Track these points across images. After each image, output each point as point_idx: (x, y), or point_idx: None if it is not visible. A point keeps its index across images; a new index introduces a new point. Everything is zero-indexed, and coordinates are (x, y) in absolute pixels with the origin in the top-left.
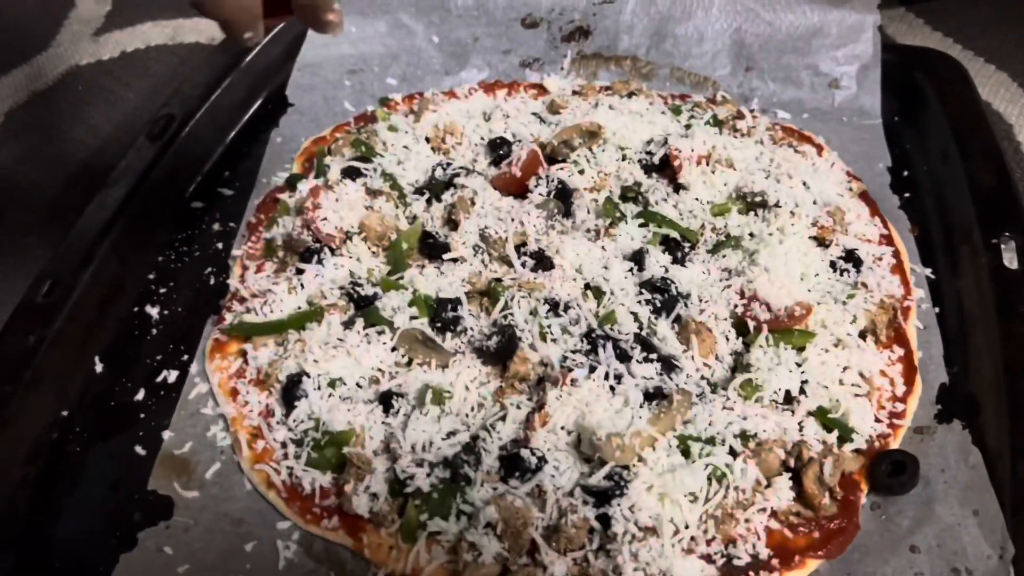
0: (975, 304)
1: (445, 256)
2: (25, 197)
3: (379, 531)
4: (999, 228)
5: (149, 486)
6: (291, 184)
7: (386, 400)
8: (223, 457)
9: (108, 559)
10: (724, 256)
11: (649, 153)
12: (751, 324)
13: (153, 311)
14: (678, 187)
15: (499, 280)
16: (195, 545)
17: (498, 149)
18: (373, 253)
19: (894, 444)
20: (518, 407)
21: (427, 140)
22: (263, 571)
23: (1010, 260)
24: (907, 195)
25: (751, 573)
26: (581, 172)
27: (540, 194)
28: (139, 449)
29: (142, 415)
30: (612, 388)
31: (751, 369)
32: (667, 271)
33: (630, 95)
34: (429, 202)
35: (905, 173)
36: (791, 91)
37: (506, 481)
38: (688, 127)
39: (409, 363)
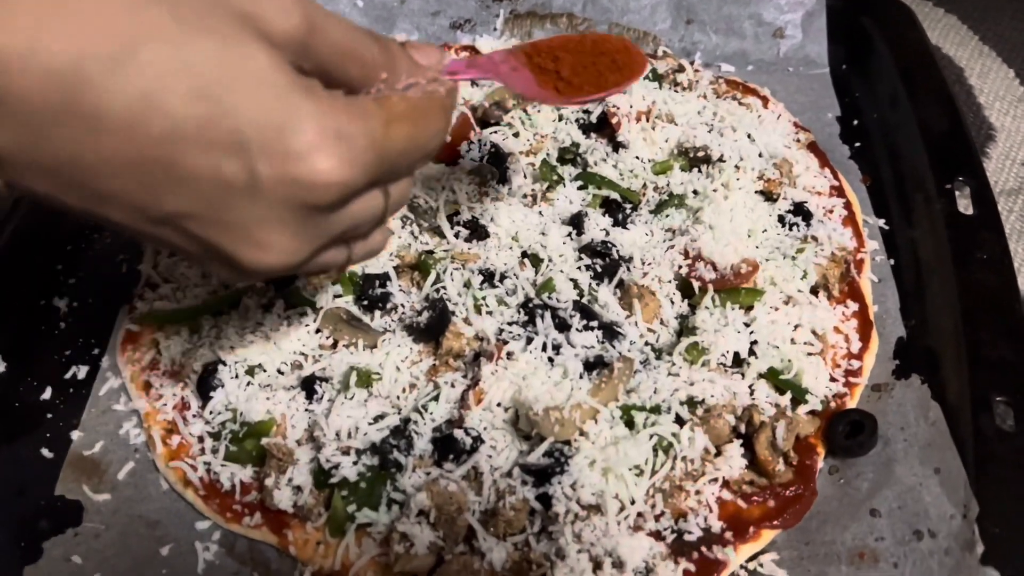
0: (931, 253)
1: None
2: None
3: (305, 526)
4: (952, 174)
5: (57, 491)
6: None
7: (309, 385)
8: (137, 456)
9: (11, 572)
10: (668, 216)
11: (586, 112)
12: (696, 285)
13: (61, 303)
14: (617, 146)
15: (430, 252)
16: (107, 552)
17: None
18: None
19: (851, 404)
20: (452, 385)
21: None
22: None
23: (965, 206)
24: (858, 144)
25: (703, 548)
26: (516, 135)
27: (472, 159)
28: (46, 452)
29: (49, 415)
30: (551, 360)
31: (697, 332)
32: (608, 234)
33: None
34: None
35: (855, 122)
36: (734, 43)
37: (440, 465)
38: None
39: (334, 345)
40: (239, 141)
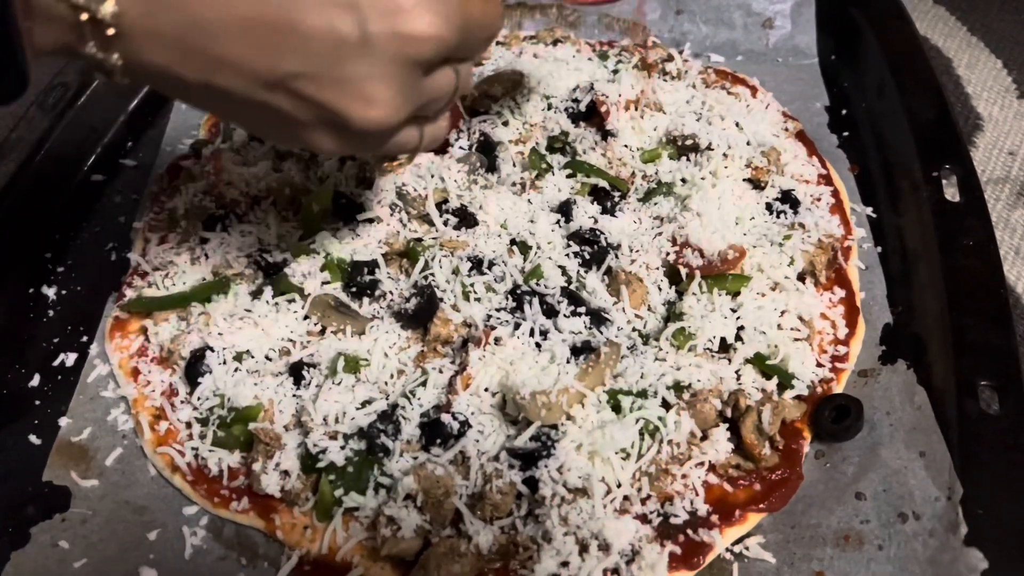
0: (918, 240)
1: (360, 217)
2: None
3: (292, 511)
4: (939, 161)
5: (44, 477)
6: (196, 151)
7: (297, 371)
8: (125, 442)
9: None
10: (656, 204)
11: (575, 101)
12: (683, 271)
13: (50, 291)
14: (606, 134)
15: (419, 240)
16: (93, 537)
17: None
18: (283, 218)
19: (837, 389)
20: (440, 371)
21: None
22: (168, 560)
23: (952, 194)
24: (846, 134)
25: (689, 531)
26: (505, 124)
27: (461, 148)
28: (33, 438)
29: (37, 402)
30: (538, 345)
31: (684, 318)
32: (596, 222)
33: (555, 43)
34: (342, 161)
35: (843, 112)
36: (724, 33)
37: (427, 449)
38: (615, 72)
39: (322, 332)
40: (351, 2)
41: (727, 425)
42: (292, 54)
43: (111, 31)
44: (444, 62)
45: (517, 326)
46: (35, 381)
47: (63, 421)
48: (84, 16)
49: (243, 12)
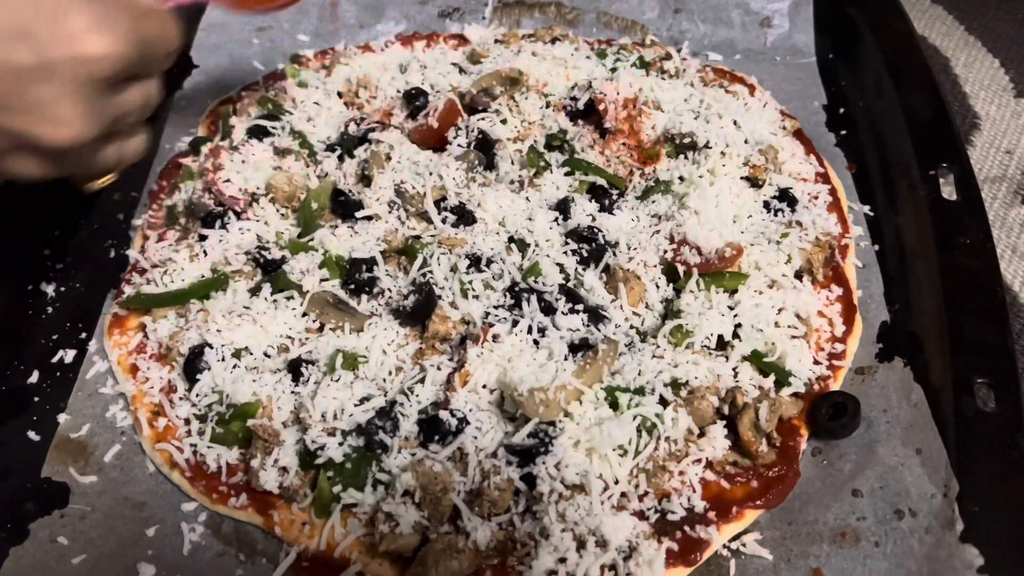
0: (915, 239)
1: (359, 214)
2: None
3: (290, 507)
4: (936, 160)
5: (43, 473)
6: (195, 148)
7: (295, 368)
8: (123, 438)
9: None
10: (654, 202)
11: (573, 99)
12: (681, 269)
13: (49, 288)
14: (604, 132)
15: (417, 237)
16: (92, 533)
17: (414, 100)
18: (282, 215)
19: (835, 386)
20: (438, 368)
21: (339, 95)
22: (167, 556)
23: (949, 193)
24: (843, 132)
25: (687, 527)
26: (503, 122)
27: (460, 145)
28: (32, 434)
29: (36, 398)
30: (536, 342)
31: (681, 315)
32: (594, 220)
33: (554, 41)
34: (341, 159)
35: (841, 111)
36: (722, 32)
37: (425, 446)
38: (614, 70)
39: (320, 329)
40: (24, 31)
41: (724, 422)
42: None
43: None
44: (129, 79)
45: (515, 323)
46: (34, 377)
47: (62, 417)
48: None
49: None
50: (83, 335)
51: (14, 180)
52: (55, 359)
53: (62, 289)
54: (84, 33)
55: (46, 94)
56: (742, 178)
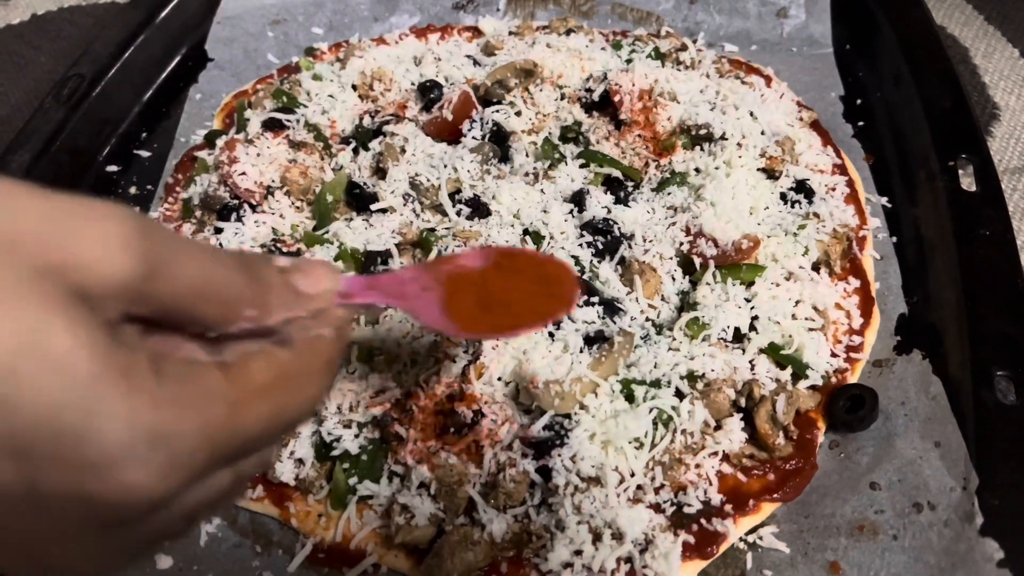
0: (933, 230)
1: (373, 207)
2: None
3: (306, 499)
4: (955, 151)
5: None
6: (210, 141)
7: None
8: None
9: None
10: (669, 193)
11: (588, 90)
12: (697, 261)
13: None
14: (620, 124)
15: (432, 230)
16: None
17: (429, 93)
18: (297, 208)
19: (852, 379)
20: (454, 361)
21: (354, 88)
22: (184, 547)
23: (968, 184)
24: (861, 124)
25: (703, 520)
26: (518, 114)
27: (474, 138)
28: None
29: None
30: (551, 334)
31: (698, 307)
32: (609, 212)
33: (568, 32)
34: (356, 152)
35: (859, 101)
36: (738, 22)
37: (441, 438)
38: (629, 61)
39: None
40: (17, 446)
41: (741, 415)
42: None
43: None
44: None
45: None
46: None
47: None
48: None
49: None
50: None
51: None
52: None
53: None
54: (109, 466)
55: (36, 534)
56: (759, 169)
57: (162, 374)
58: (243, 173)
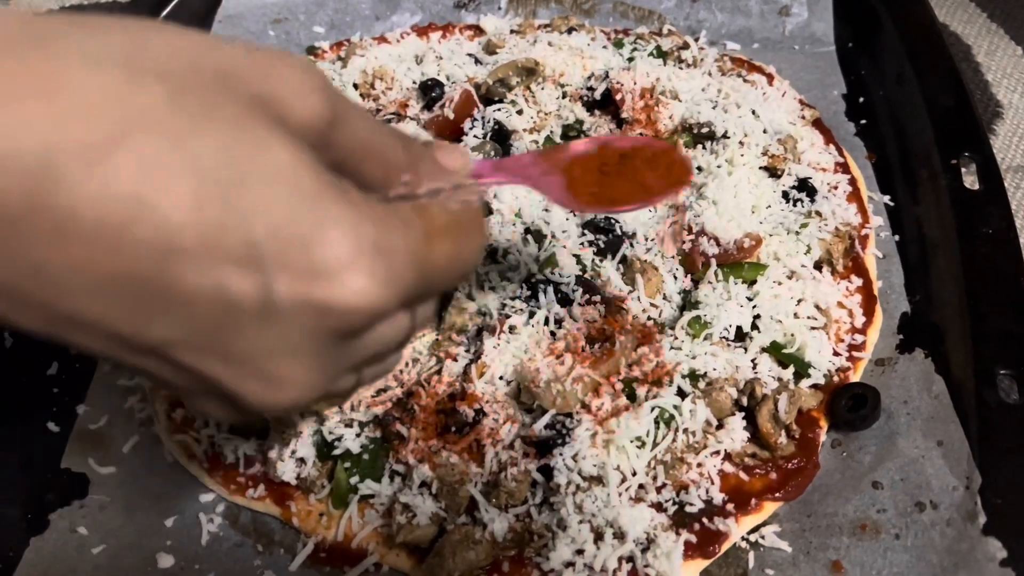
0: (936, 229)
1: None
2: None
3: (308, 498)
4: (958, 149)
5: (63, 464)
6: None
7: None
8: (142, 429)
9: (18, 543)
10: None
11: (590, 89)
12: (699, 260)
13: None
14: (621, 122)
15: None
16: (112, 523)
17: (430, 92)
18: None
19: (854, 378)
20: (455, 360)
21: (355, 87)
22: (185, 547)
23: (971, 182)
24: (863, 122)
25: (705, 519)
26: (519, 112)
27: (476, 136)
28: (52, 425)
29: (55, 389)
30: (552, 333)
31: (699, 306)
32: None
33: (570, 31)
34: None
35: (861, 100)
36: (740, 20)
37: (442, 437)
38: (631, 60)
39: None
40: (252, 255)
41: (743, 414)
42: (167, 319)
43: None
44: (402, 307)
45: (532, 315)
46: (53, 369)
47: (81, 409)
48: None
49: (100, 264)
50: None
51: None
52: (74, 350)
53: None
54: (338, 272)
55: (262, 344)
56: (761, 168)
57: (368, 200)
58: None
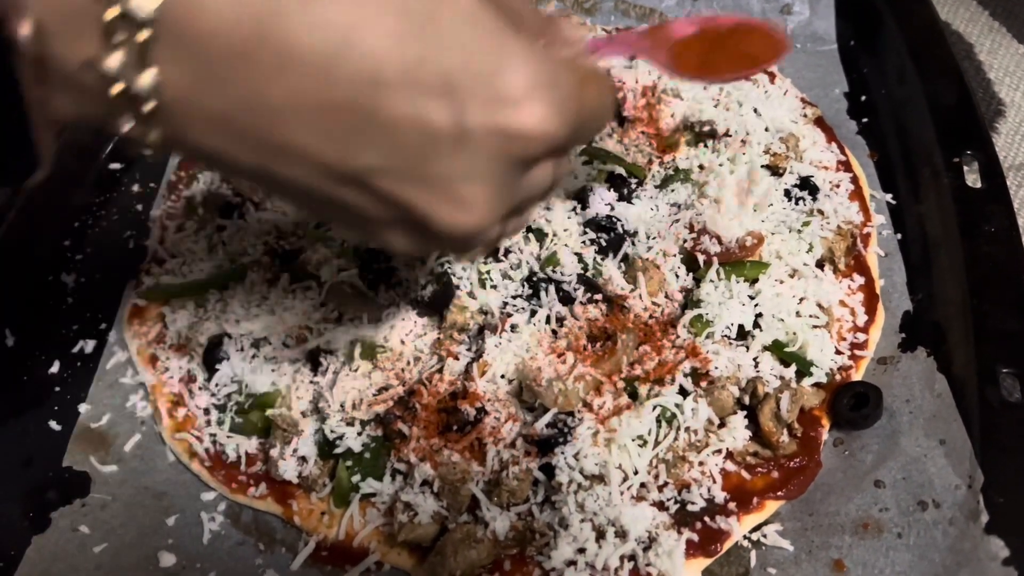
0: (938, 227)
1: None
2: None
3: (309, 497)
4: (961, 147)
5: (64, 462)
6: None
7: (314, 358)
8: (143, 428)
9: (19, 542)
10: (673, 190)
11: None
12: (701, 258)
13: (69, 279)
14: (623, 121)
15: None
16: (113, 522)
17: None
18: None
19: (856, 376)
20: (457, 358)
21: None
22: (186, 545)
23: (973, 180)
24: (865, 120)
25: (707, 518)
26: None
27: None
28: (54, 424)
29: (57, 388)
30: (554, 332)
31: (701, 305)
32: (613, 209)
33: None
34: None
35: (863, 98)
36: None
37: (444, 436)
38: (632, 58)
39: (339, 318)
40: (448, 85)
41: (745, 412)
42: (371, 146)
43: (149, 106)
44: (555, 152)
45: (533, 313)
46: (55, 368)
47: (82, 407)
48: (117, 88)
49: (313, 93)
50: (103, 325)
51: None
52: (75, 349)
53: (82, 280)
54: (520, 100)
55: (455, 169)
56: (763, 166)
57: (536, 43)
58: None
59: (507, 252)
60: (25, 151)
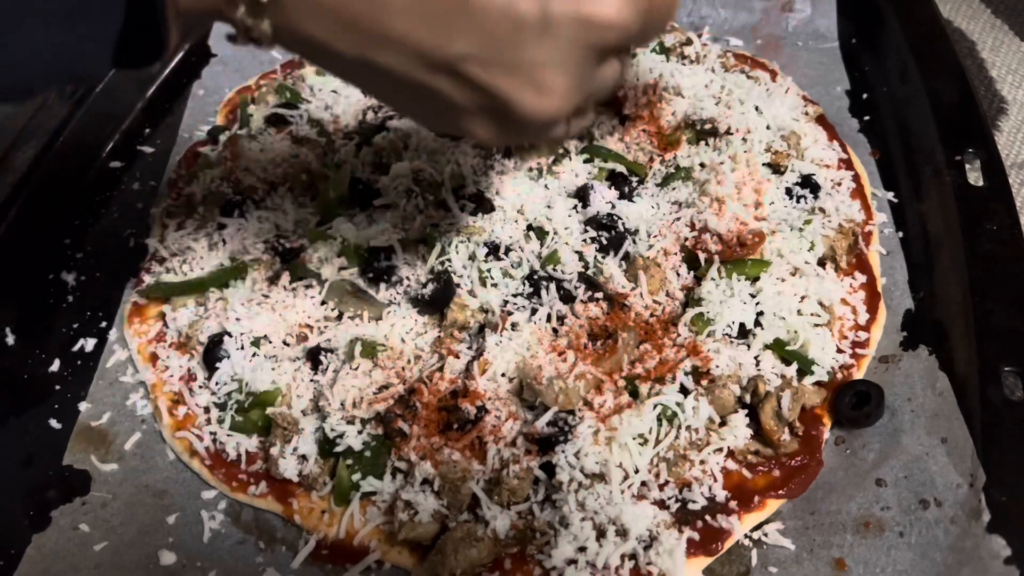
0: (940, 225)
1: (377, 203)
2: None
3: (310, 495)
4: (962, 145)
5: (65, 461)
6: (213, 137)
7: (314, 356)
8: (144, 426)
9: (20, 540)
10: (674, 189)
11: None
12: (702, 256)
13: (69, 277)
14: (624, 119)
15: (436, 226)
16: (114, 521)
17: None
18: (300, 203)
19: (858, 375)
20: (457, 357)
21: None
22: (187, 544)
23: (975, 178)
24: (867, 118)
25: (708, 517)
26: None
27: None
28: (54, 422)
29: (57, 387)
30: (555, 330)
31: (702, 303)
32: (614, 207)
33: None
34: (359, 147)
35: (865, 96)
36: (743, 17)
37: (444, 434)
38: (634, 56)
39: (339, 317)
40: None
41: (746, 411)
42: (464, 34)
43: None
44: (613, 51)
45: (534, 311)
46: (55, 366)
47: (83, 406)
48: None
49: None
50: (103, 324)
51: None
52: (76, 348)
53: (82, 278)
54: None
55: (539, 56)
56: (764, 164)
57: None
58: (246, 169)
59: (508, 250)
60: (154, 36)
